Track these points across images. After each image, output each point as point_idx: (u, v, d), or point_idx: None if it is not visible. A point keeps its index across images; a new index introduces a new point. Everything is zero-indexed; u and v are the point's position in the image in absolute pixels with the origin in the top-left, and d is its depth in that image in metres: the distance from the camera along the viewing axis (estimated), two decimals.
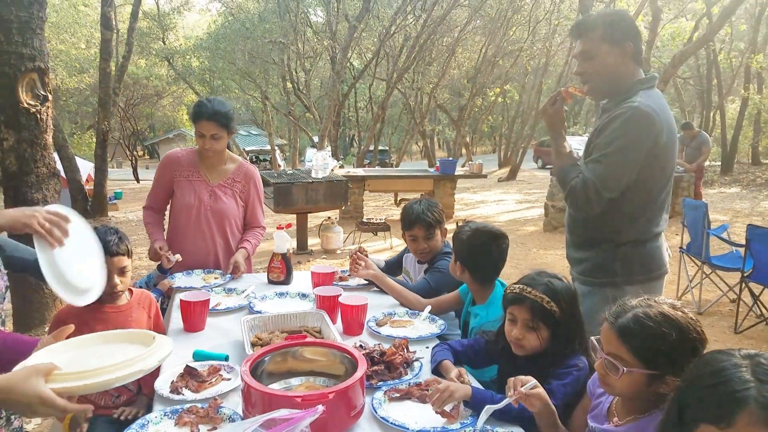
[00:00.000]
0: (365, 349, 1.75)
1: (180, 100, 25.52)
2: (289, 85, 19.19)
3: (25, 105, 3.96)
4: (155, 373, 1.62)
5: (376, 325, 2.06)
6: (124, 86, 19.59)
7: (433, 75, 19.96)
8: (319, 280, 2.37)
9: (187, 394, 1.53)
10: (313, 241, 7.45)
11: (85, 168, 12.31)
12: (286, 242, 2.51)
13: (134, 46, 17.48)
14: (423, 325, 2.08)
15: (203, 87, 21.06)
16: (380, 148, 24.02)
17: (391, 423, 1.40)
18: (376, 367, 1.67)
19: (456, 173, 9.56)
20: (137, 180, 20.36)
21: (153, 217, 2.74)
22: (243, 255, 2.65)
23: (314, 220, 8.15)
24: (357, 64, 21.15)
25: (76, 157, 10.38)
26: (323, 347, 1.59)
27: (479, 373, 1.83)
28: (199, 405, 1.44)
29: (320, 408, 1.24)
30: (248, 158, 21.33)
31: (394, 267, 2.76)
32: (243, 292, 2.34)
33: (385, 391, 1.56)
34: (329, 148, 10.03)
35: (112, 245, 1.89)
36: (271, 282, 2.52)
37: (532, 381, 1.38)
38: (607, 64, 1.88)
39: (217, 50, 19.02)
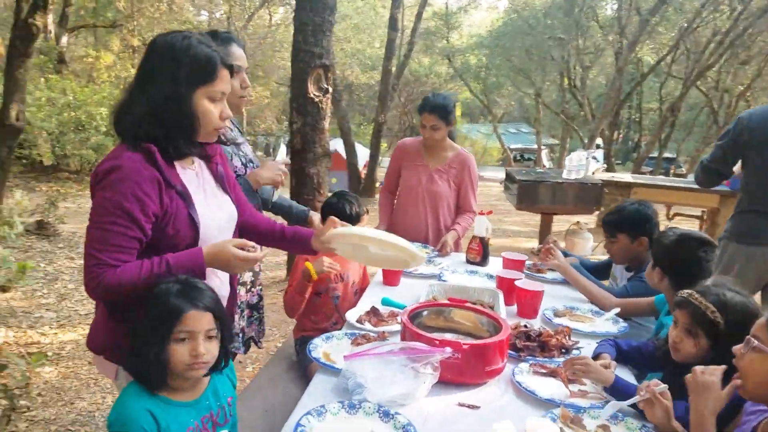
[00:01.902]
0: (527, 328, 1.94)
1: (454, 97, 27.29)
2: (566, 81, 18.90)
3: (311, 95, 5.04)
4: None
5: (554, 315, 2.20)
6: (405, 83, 22.00)
7: (747, 76, 17.24)
8: (508, 265, 2.58)
9: (367, 326, 1.97)
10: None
11: (364, 155, 14.35)
12: (486, 227, 2.79)
13: (420, 44, 19.36)
14: (603, 324, 2.14)
15: (477, 84, 22.19)
16: (667, 155, 21.81)
17: (524, 387, 1.59)
18: (528, 343, 1.85)
19: None
20: None
21: (386, 198, 3.33)
22: (453, 236, 3.02)
23: (563, 224, 8.08)
24: (650, 59, 19.58)
25: (358, 144, 12.24)
26: (473, 312, 1.86)
27: (643, 379, 1.84)
28: (372, 334, 1.86)
29: (448, 350, 1.53)
30: (512, 156, 21.72)
31: (599, 270, 2.78)
32: (440, 264, 2.71)
33: (531, 364, 1.74)
34: (595, 150, 9.71)
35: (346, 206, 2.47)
36: (468, 262, 2.83)
37: (664, 386, 1.42)
38: None
39: (496, 47, 19.84)
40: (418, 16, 12.82)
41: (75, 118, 10.64)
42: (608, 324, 2.14)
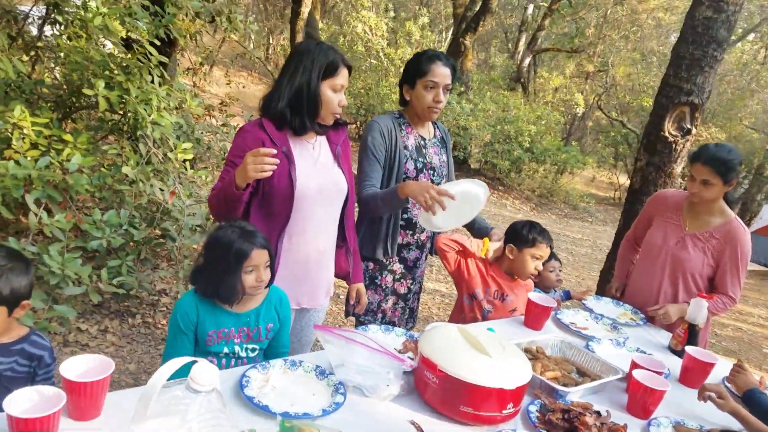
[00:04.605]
0: (582, 410, 1.73)
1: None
2: None
3: (666, 134, 4.69)
4: None
5: (672, 428, 1.81)
6: None
7: None
8: (690, 363, 2.12)
9: None
10: None
11: None
12: (701, 314, 2.32)
13: None
14: None
15: None
16: None
17: None
18: (559, 421, 1.68)
19: None
20: None
21: (625, 249, 3.08)
22: (679, 310, 2.58)
23: None
24: None
25: None
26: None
27: None
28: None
29: (408, 361, 1.66)
30: None
31: None
32: (623, 335, 2.44)
33: None
34: None
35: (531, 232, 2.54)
36: (670, 349, 2.42)
37: None
38: None
39: None
40: None
41: (506, 131, 12.25)
42: None
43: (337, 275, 2.33)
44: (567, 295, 2.89)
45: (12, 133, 2.73)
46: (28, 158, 2.68)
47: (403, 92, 2.55)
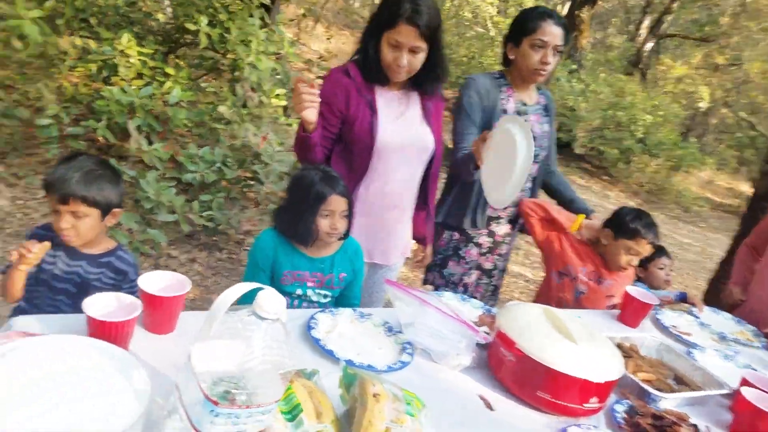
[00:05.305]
0: (681, 420, 1.53)
1: None
2: None
3: None
4: None
5: None
6: None
7: None
8: None
9: None
10: None
11: None
12: None
13: None
14: None
15: None
16: None
17: None
18: (650, 427, 1.49)
19: None
20: None
21: (746, 255, 2.76)
22: None
23: None
24: None
25: None
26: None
27: None
28: None
29: (482, 332, 1.54)
30: None
31: None
32: (732, 348, 2.18)
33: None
34: None
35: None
36: None
37: None
38: None
39: None
40: None
41: (618, 117, 11.52)
42: None
43: (413, 237, 2.27)
44: (682, 297, 2.56)
45: (119, 61, 2.83)
46: (133, 87, 2.78)
47: (506, 51, 2.32)
